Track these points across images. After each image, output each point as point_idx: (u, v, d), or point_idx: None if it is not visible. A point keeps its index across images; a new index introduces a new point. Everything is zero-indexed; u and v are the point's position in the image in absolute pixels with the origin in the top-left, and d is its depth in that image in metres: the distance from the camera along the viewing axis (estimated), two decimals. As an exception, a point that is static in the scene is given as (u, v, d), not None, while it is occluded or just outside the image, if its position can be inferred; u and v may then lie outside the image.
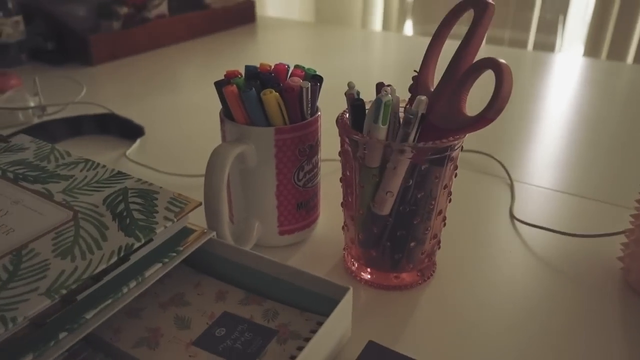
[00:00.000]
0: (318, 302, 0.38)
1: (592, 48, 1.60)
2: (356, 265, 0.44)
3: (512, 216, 0.53)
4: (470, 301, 0.42)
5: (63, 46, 1.02)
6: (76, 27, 1.00)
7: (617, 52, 1.49)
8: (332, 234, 0.50)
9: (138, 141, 0.70)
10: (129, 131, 0.71)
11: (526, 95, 0.89)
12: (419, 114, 0.36)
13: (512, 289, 0.44)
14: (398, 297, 0.42)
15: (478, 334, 0.39)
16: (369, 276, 0.44)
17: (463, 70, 0.37)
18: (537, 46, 1.78)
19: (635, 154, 0.68)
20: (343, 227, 0.45)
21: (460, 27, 0.40)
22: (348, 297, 0.35)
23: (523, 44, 1.79)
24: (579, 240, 0.49)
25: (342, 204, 0.44)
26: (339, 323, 0.36)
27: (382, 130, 0.37)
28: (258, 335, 0.37)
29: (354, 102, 0.39)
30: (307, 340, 0.36)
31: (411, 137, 0.37)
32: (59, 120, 0.72)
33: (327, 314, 0.35)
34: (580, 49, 1.68)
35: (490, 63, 0.34)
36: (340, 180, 0.43)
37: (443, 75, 0.39)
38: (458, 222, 0.50)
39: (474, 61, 0.36)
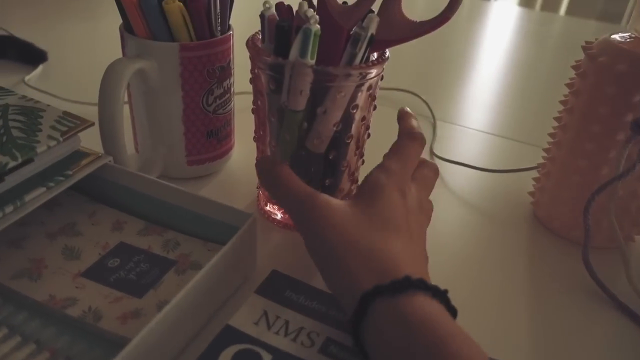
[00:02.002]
0: (222, 232, 0.35)
1: None
2: (269, 205, 0.41)
3: (432, 153, 0.53)
4: None
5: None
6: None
7: (551, 3, 1.51)
8: (247, 168, 0.47)
9: (40, 67, 0.63)
10: (30, 56, 0.64)
11: (458, 41, 0.89)
12: (369, 34, 0.32)
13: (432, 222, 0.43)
14: None
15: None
16: (281, 216, 0.40)
17: None
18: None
19: (554, 98, 0.69)
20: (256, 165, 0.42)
21: None
22: (250, 224, 0.33)
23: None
24: (494, 176, 0.49)
25: (254, 138, 0.40)
26: (241, 252, 0.34)
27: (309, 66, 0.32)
28: (155, 266, 0.34)
29: (280, 22, 0.33)
30: (204, 267, 0.34)
31: (358, 59, 0.33)
32: (-53, 40, 0.64)
33: (230, 243, 0.33)
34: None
35: None
36: (252, 112, 0.39)
37: None
38: (377, 160, 0.49)
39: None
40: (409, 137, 0.35)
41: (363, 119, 0.37)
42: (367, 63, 0.34)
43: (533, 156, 0.50)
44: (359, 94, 0.35)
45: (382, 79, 0.36)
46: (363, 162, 0.40)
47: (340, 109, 0.34)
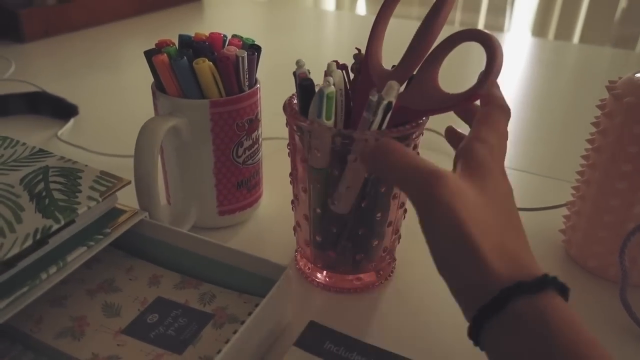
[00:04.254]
0: (257, 284, 0.36)
1: (539, 28, 1.63)
2: (310, 267, 0.41)
3: (459, 192, 0.53)
4: (424, 288, 0.41)
5: (-9, 21, 0.95)
6: (6, 0, 0.93)
7: (564, 32, 1.52)
8: (276, 215, 0.48)
9: (72, 121, 0.66)
10: (62, 111, 0.67)
11: (475, 74, 0.89)
12: (384, 101, 0.30)
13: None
14: (356, 300, 0.39)
15: (427, 313, 0.38)
16: (324, 278, 0.40)
17: (430, 46, 0.33)
18: (487, 27, 1.80)
19: (577, 130, 0.69)
20: (294, 228, 0.41)
21: (403, 7, 0.37)
22: (285, 277, 0.34)
23: (473, 26, 1.81)
24: (522, 214, 0.48)
25: (292, 202, 0.40)
26: (278, 304, 0.34)
27: (328, 126, 0.33)
28: (193, 321, 0.35)
29: (302, 81, 0.34)
30: (244, 323, 0.34)
31: (375, 125, 0.31)
32: (-17, 99, 0.66)
33: (266, 295, 0.34)
34: (528, 29, 1.71)
35: (476, 35, 0.30)
36: (290, 175, 0.39)
37: (407, 52, 0.34)
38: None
39: (454, 32, 0.32)
40: (501, 109, 0.31)
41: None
42: (392, 130, 0.33)
43: (559, 190, 0.50)
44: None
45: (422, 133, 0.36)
46: (405, 216, 0.40)
47: (356, 174, 0.33)
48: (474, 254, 0.25)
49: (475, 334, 0.26)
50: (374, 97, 0.31)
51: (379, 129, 0.32)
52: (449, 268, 0.27)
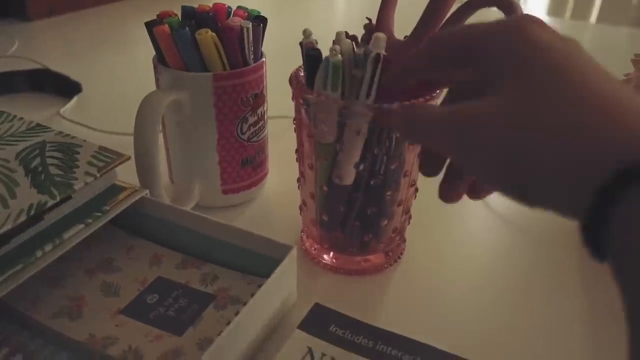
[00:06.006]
0: (261, 264, 0.34)
1: (555, 7, 1.58)
2: (316, 248, 0.39)
3: (472, 172, 0.51)
4: (435, 270, 0.39)
5: (-5, -1, 0.94)
6: (9, -22, 0.92)
7: (581, 11, 1.48)
8: (282, 195, 0.47)
9: (75, 98, 0.64)
10: (65, 88, 0.65)
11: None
12: (372, 53, 0.29)
13: (475, 248, 0.42)
14: (364, 282, 0.38)
15: (437, 296, 0.37)
16: (331, 260, 0.39)
17: (445, 14, 0.31)
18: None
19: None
20: (300, 207, 0.40)
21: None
22: (291, 257, 0.32)
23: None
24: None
25: (298, 179, 0.38)
26: (282, 285, 0.33)
27: (334, 98, 0.31)
28: (194, 301, 0.34)
29: (309, 51, 0.32)
30: (246, 304, 0.33)
31: (365, 82, 0.30)
32: (-15, 76, 0.65)
33: (270, 275, 0.32)
34: (544, 8, 1.67)
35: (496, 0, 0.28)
36: (296, 152, 0.38)
37: (420, 21, 0.31)
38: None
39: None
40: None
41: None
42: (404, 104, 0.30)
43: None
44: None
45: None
46: (416, 195, 0.38)
47: (355, 146, 0.32)
48: (580, 119, 0.19)
49: (595, 232, 0.18)
50: (360, 50, 0.29)
51: (370, 86, 0.30)
52: (541, 138, 0.20)
